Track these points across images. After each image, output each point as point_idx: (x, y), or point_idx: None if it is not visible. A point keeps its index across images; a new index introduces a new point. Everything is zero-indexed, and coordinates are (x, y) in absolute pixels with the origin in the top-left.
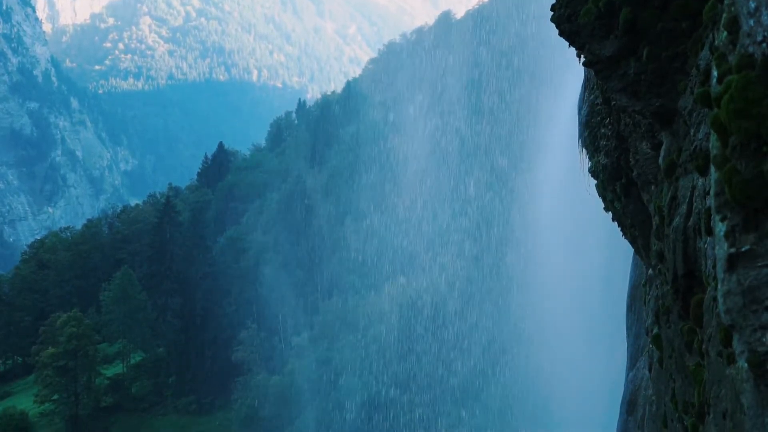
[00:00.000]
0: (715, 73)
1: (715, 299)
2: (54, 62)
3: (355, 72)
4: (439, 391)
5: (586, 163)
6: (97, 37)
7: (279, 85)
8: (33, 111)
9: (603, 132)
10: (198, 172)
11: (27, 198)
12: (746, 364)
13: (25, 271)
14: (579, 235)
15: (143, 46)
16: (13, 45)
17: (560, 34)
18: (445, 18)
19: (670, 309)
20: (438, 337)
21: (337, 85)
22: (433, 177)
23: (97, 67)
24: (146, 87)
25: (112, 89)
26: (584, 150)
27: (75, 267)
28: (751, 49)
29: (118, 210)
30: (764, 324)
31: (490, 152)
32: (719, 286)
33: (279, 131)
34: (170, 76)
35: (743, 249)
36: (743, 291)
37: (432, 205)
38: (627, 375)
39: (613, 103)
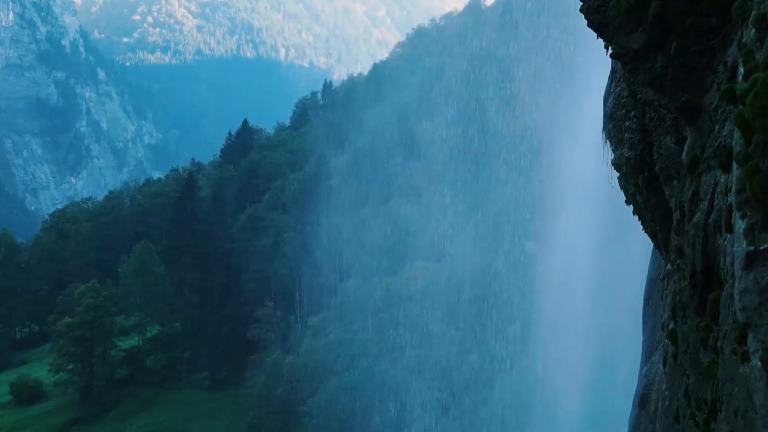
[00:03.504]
0: (741, 70)
1: (731, 297)
2: (82, 33)
3: (383, 55)
4: (453, 377)
5: (610, 156)
6: (126, 10)
7: (306, 64)
8: (59, 81)
9: (627, 125)
10: (221, 149)
11: (50, 167)
12: (759, 363)
13: (45, 240)
14: (600, 227)
15: (172, 21)
16: (42, 14)
17: (589, 25)
18: (475, 4)
19: (687, 305)
20: (454, 323)
21: (364, 68)
22: (457, 163)
23: (125, 40)
24: (173, 61)
25: (139, 62)
26: (608, 142)
27: (95, 238)
28: None
29: (141, 183)
30: None
31: (515, 140)
32: (736, 284)
33: (304, 111)
34: (198, 52)
35: (762, 247)
36: (760, 289)
37: (454, 192)
38: (641, 369)
39: (638, 96)
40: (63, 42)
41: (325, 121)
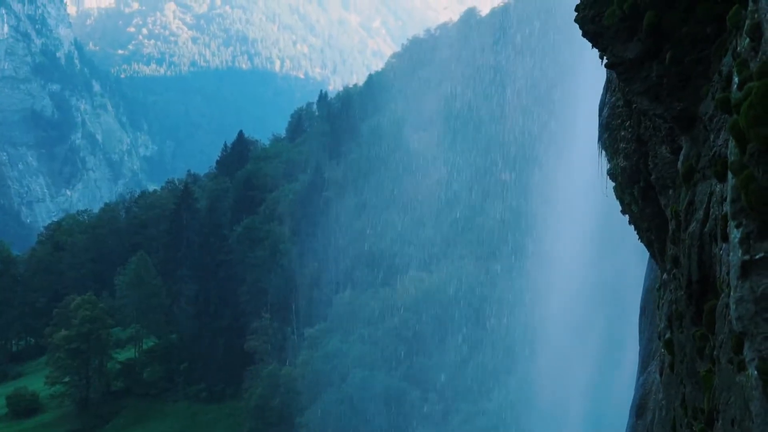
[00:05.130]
0: (736, 79)
1: (727, 306)
2: (77, 45)
3: (378, 65)
4: (451, 387)
5: (605, 165)
6: (121, 22)
7: (301, 75)
8: (54, 93)
9: (623, 134)
10: (217, 160)
11: (45, 180)
12: (756, 372)
13: (41, 252)
14: (595, 237)
15: (167, 32)
16: (37, 26)
17: (584, 35)
18: (470, 14)
19: (683, 314)
20: (450, 333)
21: (359, 78)
22: (452, 173)
23: (120, 52)
24: (168, 73)
25: (135, 74)
26: (603, 152)
27: (91, 250)
28: None
29: (136, 195)
30: None
31: (509, 150)
32: (732, 293)
33: (299, 122)
34: (193, 63)
35: (757, 256)
36: (756, 299)
37: (449, 201)
38: (638, 379)
39: (634, 105)
40: (58, 54)
41: (320, 132)
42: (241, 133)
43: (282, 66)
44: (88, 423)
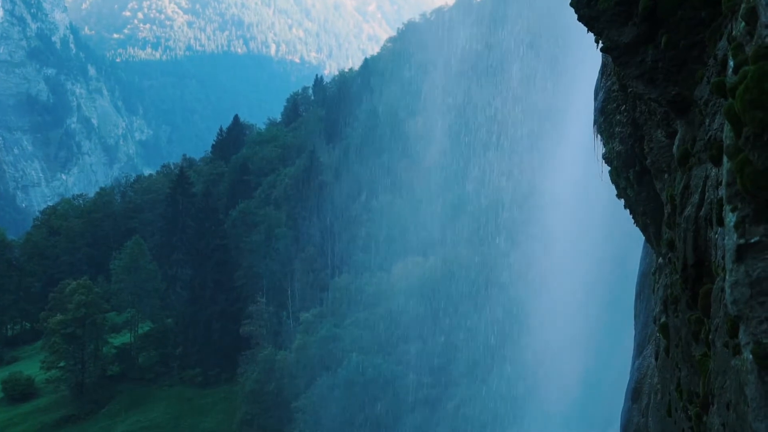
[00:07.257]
0: (731, 63)
1: (723, 290)
2: (73, 29)
3: (374, 50)
4: (446, 371)
5: (600, 149)
6: (116, 6)
7: (297, 60)
8: (50, 77)
9: (618, 118)
10: (212, 145)
11: (41, 164)
12: (751, 356)
13: (36, 237)
14: (591, 221)
15: (162, 16)
16: (32, 10)
17: (579, 19)
18: None
19: (679, 298)
20: (446, 318)
21: (355, 62)
22: (448, 158)
23: (115, 36)
24: (164, 57)
25: (130, 58)
26: (599, 136)
27: (86, 235)
28: None
29: (132, 179)
30: None
31: (505, 134)
32: (727, 277)
33: (295, 106)
34: (188, 48)
35: (752, 240)
36: (751, 282)
37: (446, 186)
38: (633, 363)
39: (629, 90)
40: (53, 38)
41: (316, 117)
42: (236, 118)
43: (277, 50)
44: (84, 407)
